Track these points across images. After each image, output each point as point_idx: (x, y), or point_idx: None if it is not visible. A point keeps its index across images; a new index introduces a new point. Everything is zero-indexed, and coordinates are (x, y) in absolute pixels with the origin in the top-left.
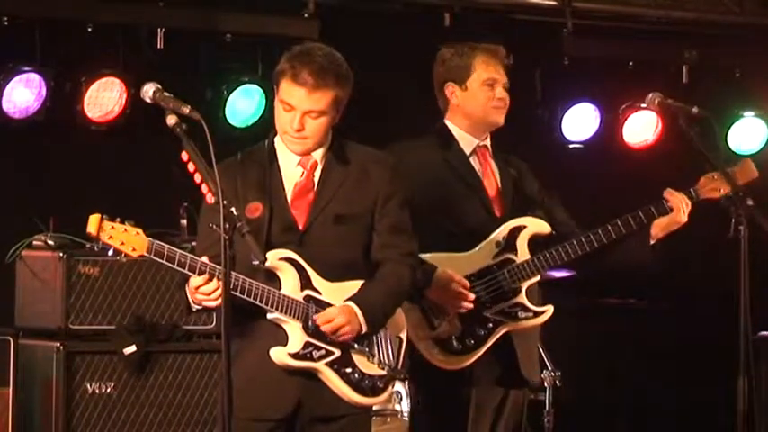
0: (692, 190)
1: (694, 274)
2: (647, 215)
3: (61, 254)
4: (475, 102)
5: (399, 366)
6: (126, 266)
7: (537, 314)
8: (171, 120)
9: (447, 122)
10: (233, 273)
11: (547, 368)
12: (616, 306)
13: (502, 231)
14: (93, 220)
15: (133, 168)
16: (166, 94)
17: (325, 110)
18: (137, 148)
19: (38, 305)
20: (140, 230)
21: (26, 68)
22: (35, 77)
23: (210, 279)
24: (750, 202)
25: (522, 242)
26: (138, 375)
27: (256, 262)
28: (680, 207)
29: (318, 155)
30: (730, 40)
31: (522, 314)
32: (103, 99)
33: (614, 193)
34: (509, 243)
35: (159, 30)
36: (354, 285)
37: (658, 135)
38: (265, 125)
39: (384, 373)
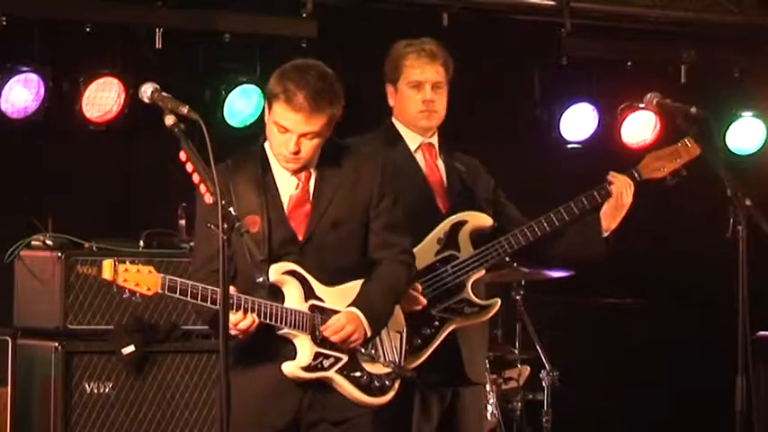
0: (633, 170)
1: (694, 274)
2: (590, 199)
3: (60, 254)
4: (402, 105)
5: (402, 362)
6: None
7: (483, 308)
8: (169, 120)
9: (393, 120)
10: (241, 295)
11: (545, 368)
12: (616, 306)
13: (443, 227)
14: (107, 265)
15: (131, 168)
16: (165, 94)
17: (321, 131)
18: (135, 148)
19: (36, 305)
20: (152, 268)
21: (24, 68)
22: (33, 77)
23: (245, 317)
24: (748, 202)
25: (463, 237)
26: (136, 375)
27: (260, 279)
28: (620, 190)
29: (311, 165)
30: (729, 40)
31: (468, 309)
32: (102, 99)
33: None
34: (450, 239)
35: (158, 30)
36: (355, 286)
37: (657, 135)
38: (263, 125)
39: (390, 370)
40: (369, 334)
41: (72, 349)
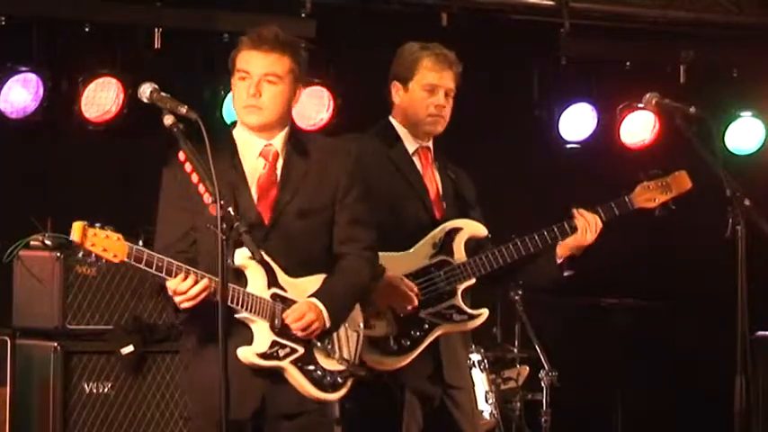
0: (626, 198)
1: (693, 274)
2: (561, 230)
3: (58, 254)
4: (413, 106)
5: (357, 360)
6: (123, 266)
7: (472, 317)
8: (168, 120)
9: (391, 120)
10: (204, 274)
11: (544, 368)
12: (616, 306)
13: (439, 233)
14: (77, 227)
15: (130, 168)
16: (163, 93)
17: (282, 76)
18: (134, 147)
19: (35, 305)
20: (121, 236)
21: (23, 68)
22: (32, 77)
23: (186, 278)
24: (747, 203)
25: (458, 244)
26: (135, 375)
27: (229, 261)
28: (586, 228)
29: (279, 143)
30: (727, 40)
31: (456, 317)
32: (101, 99)
33: (611, 193)
34: (446, 244)
35: (156, 30)
36: (317, 280)
37: (655, 135)
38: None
39: (344, 368)
40: (327, 326)
41: (71, 349)
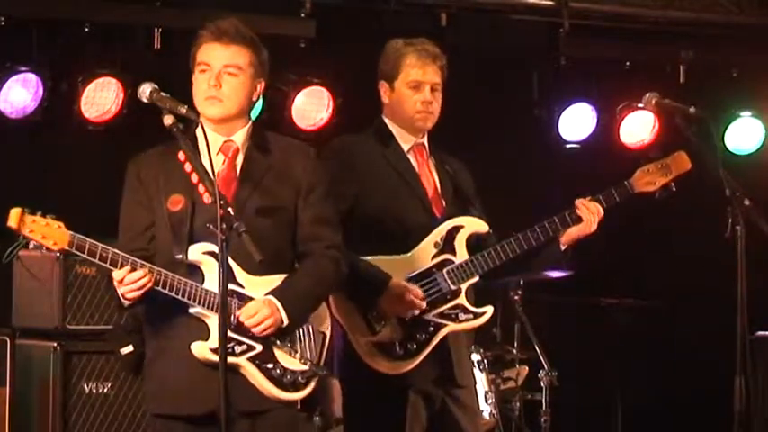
0: (626, 183)
1: (693, 274)
2: (561, 221)
3: (58, 254)
4: (400, 105)
5: (322, 362)
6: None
7: (477, 315)
8: (168, 120)
9: (384, 119)
10: (154, 267)
11: (544, 368)
12: (615, 306)
13: (440, 231)
14: (14, 213)
15: None
16: (163, 94)
17: (243, 67)
18: (133, 147)
19: (35, 305)
20: (62, 224)
21: (23, 68)
22: (32, 77)
23: (132, 270)
24: (747, 202)
25: (460, 242)
26: (134, 375)
27: (179, 256)
28: (589, 219)
29: (239, 139)
30: (727, 40)
31: (462, 316)
32: (100, 99)
33: None
34: (447, 243)
35: (156, 30)
36: (278, 279)
37: (655, 135)
38: (261, 124)
39: (306, 368)
40: (285, 323)
41: (70, 349)
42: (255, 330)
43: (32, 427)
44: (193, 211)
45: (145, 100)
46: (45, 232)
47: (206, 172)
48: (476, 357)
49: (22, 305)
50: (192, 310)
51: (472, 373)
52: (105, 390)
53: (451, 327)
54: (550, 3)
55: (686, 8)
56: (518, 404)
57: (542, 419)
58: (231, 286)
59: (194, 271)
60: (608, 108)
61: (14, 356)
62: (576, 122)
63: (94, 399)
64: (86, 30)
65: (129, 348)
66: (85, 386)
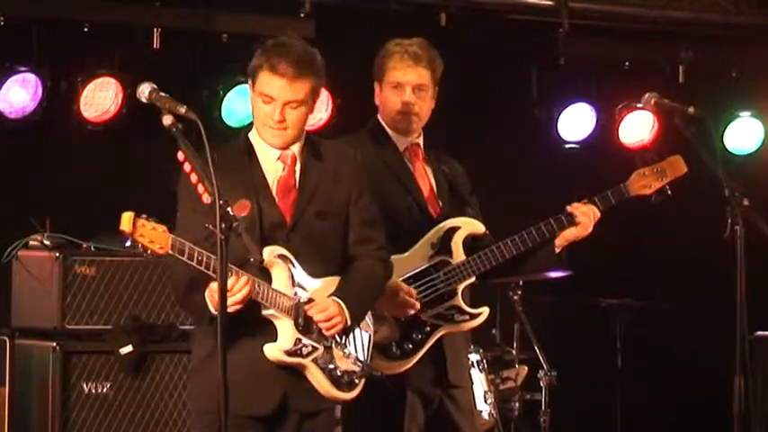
0: (622, 186)
1: (693, 274)
2: (558, 222)
3: (58, 254)
4: (384, 105)
5: (370, 361)
6: (122, 266)
7: (473, 316)
8: (167, 120)
9: (379, 119)
10: (239, 269)
11: (543, 368)
12: (615, 306)
13: (437, 232)
14: (127, 218)
15: (129, 168)
16: (162, 93)
17: (305, 99)
18: (133, 147)
19: (34, 305)
20: (166, 228)
21: (22, 68)
22: (31, 77)
23: (238, 279)
24: (746, 203)
25: (456, 243)
26: (134, 375)
27: (253, 259)
28: (586, 222)
29: (296, 149)
30: (726, 40)
31: (458, 317)
32: (100, 99)
33: None
34: (444, 244)
35: (155, 29)
36: (333, 281)
37: (654, 135)
38: None
39: (359, 368)
40: (349, 323)
41: (70, 349)
42: (324, 327)
43: (32, 427)
44: (260, 211)
45: (144, 100)
46: (152, 236)
47: (206, 171)
48: (475, 357)
49: (22, 305)
50: (265, 312)
51: (469, 373)
52: (104, 390)
53: (447, 327)
54: (550, 3)
55: (685, 8)
56: (517, 404)
57: (542, 420)
58: (297, 288)
59: (262, 272)
60: (607, 108)
61: (14, 356)
62: (576, 122)
63: (94, 399)
64: (86, 30)
65: (129, 348)
66: (85, 386)
